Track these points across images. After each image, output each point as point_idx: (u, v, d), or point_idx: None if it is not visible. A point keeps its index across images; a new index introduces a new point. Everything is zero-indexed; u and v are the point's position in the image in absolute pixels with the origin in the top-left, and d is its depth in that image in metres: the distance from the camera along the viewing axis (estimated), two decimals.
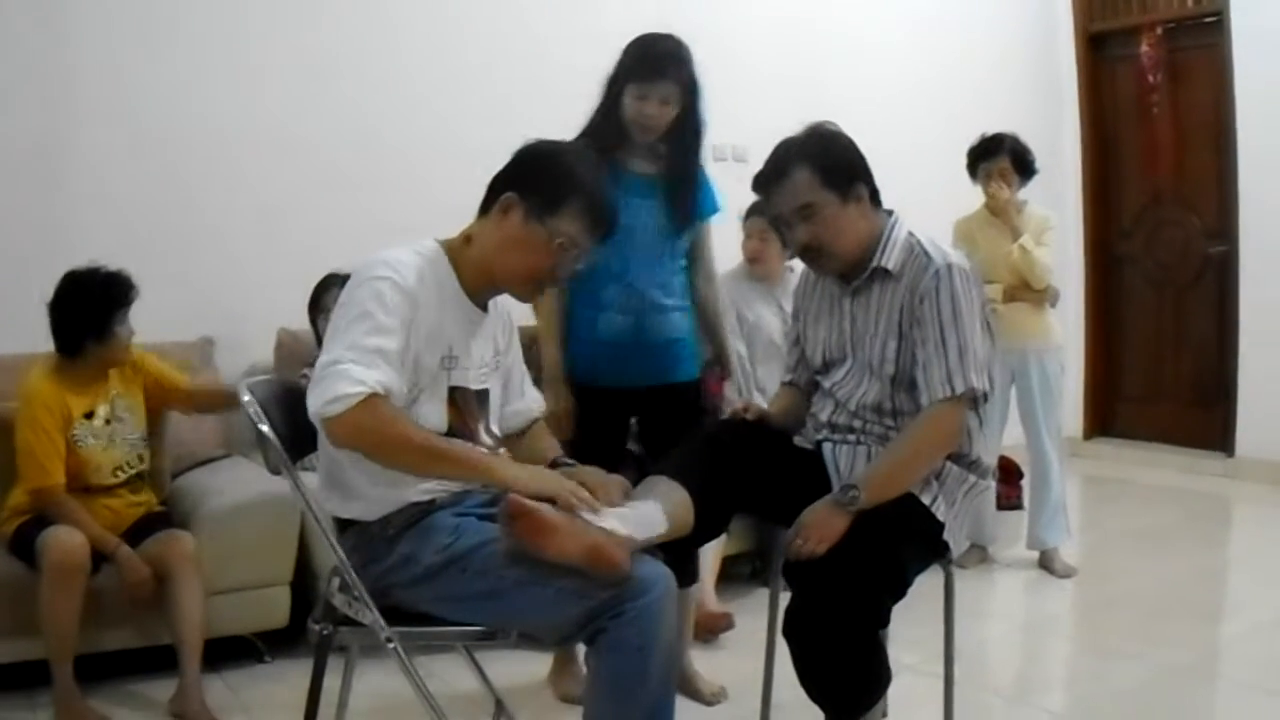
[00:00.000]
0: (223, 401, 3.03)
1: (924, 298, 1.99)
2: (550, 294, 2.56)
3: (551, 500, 1.71)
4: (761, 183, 2.10)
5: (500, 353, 2.01)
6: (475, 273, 1.88)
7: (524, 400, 2.10)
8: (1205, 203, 5.29)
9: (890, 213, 2.12)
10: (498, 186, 1.87)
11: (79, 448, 2.72)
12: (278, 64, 3.67)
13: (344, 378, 1.66)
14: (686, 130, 2.60)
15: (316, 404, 1.68)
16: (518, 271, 1.87)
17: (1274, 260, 4.88)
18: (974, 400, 2.00)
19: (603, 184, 1.90)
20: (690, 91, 2.56)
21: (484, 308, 1.93)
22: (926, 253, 2.04)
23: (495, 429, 1.99)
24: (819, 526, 1.90)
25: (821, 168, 2.02)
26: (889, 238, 2.07)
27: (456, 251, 1.88)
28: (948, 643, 2.20)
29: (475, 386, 1.92)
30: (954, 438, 2.01)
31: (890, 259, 2.05)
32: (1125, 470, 5.39)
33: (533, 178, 1.84)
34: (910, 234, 2.09)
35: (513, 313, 2.07)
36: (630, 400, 2.66)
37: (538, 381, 2.30)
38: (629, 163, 2.61)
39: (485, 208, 1.89)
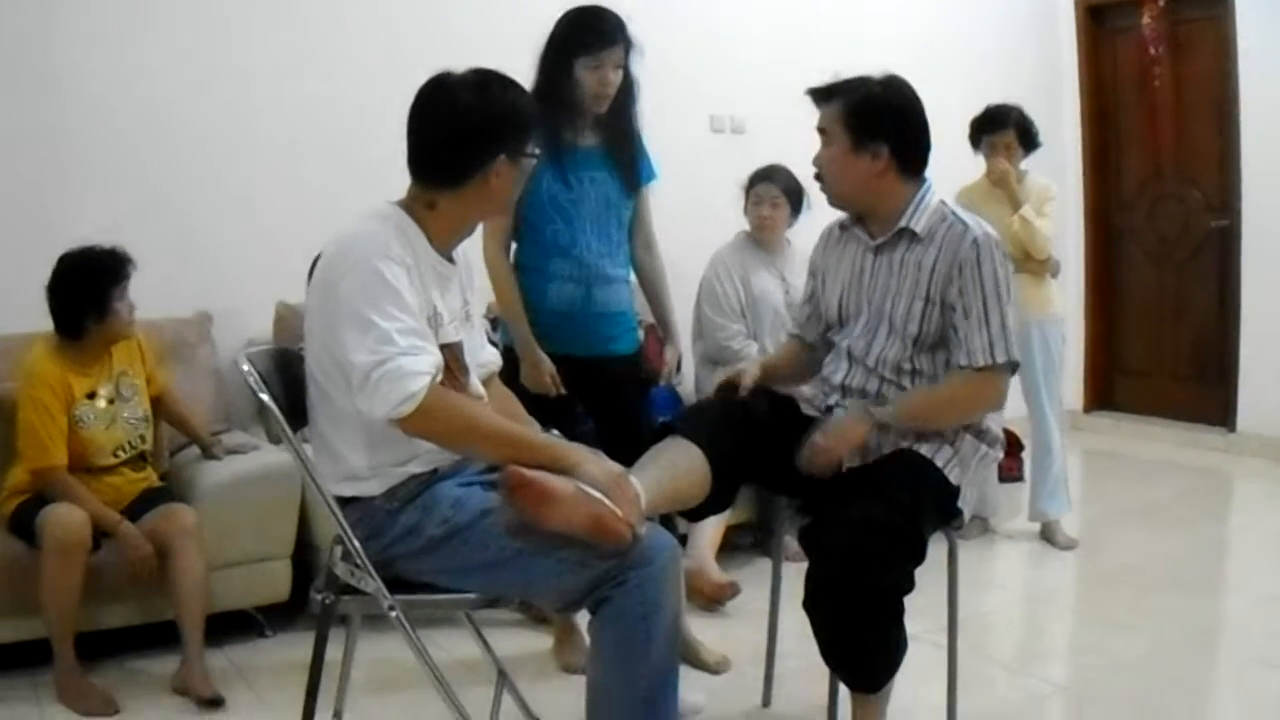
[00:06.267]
0: (190, 433, 3.02)
1: (964, 265, 2.01)
2: (505, 270, 2.60)
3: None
4: (812, 93, 2.14)
5: (468, 302, 2.01)
6: (446, 229, 1.87)
7: (485, 353, 2.09)
8: (1206, 176, 5.26)
9: (925, 180, 2.14)
10: (463, 151, 1.81)
11: (80, 428, 2.71)
12: (276, 39, 3.62)
13: (403, 375, 1.66)
14: (624, 92, 2.60)
15: (385, 409, 1.67)
16: (503, 206, 1.99)
17: (1275, 234, 4.84)
18: (1010, 370, 2.04)
19: (524, 89, 1.93)
20: (628, 54, 2.57)
21: (452, 259, 1.92)
22: (961, 220, 2.07)
23: (475, 380, 1.99)
24: (836, 429, 1.97)
25: (852, 110, 2.06)
26: (920, 202, 2.10)
27: (418, 211, 1.85)
28: (951, 613, 2.20)
29: (453, 339, 1.91)
30: (995, 404, 2.08)
31: (919, 222, 2.08)
32: (1126, 444, 5.38)
33: (504, 130, 1.82)
34: (942, 201, 2.12)
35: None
36: (574, 369, 2.64)
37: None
38: (579, 137, 2.60)
39: (450, 173, 1.82)
